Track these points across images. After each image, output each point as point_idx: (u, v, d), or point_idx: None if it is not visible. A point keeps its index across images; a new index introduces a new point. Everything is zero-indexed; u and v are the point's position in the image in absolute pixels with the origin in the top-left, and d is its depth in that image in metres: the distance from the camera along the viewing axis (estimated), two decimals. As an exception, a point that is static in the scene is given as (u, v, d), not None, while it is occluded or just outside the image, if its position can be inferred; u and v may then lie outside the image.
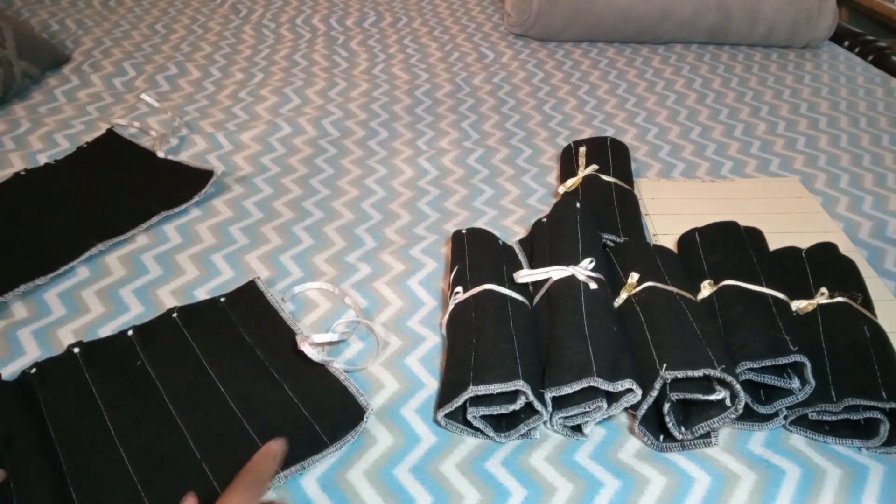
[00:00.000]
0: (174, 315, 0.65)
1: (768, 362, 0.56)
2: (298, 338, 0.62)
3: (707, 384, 0.55)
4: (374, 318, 0.68)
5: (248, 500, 0.44)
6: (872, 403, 0.54)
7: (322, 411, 0.58)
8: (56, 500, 0.49)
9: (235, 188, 0.87)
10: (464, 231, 0.74)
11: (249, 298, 0.68)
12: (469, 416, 0.55)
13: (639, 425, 0.56)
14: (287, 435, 0.52)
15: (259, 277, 0.70)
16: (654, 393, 0.55)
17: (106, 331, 0.64)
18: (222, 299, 0.68)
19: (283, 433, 0.53)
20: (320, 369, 0.61)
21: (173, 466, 0.53)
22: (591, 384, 0.53)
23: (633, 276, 0.65)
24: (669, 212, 0.86)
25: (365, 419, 0.57)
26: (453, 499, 0.51)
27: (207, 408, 0.57)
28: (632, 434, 0.57)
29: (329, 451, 0.54)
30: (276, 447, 0.48)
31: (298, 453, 0.54)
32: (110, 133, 0.94)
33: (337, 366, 0.61)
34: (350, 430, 0.56)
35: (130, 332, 0.63)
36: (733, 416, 0.54)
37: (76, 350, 0.60)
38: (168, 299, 0.69)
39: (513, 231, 0.82)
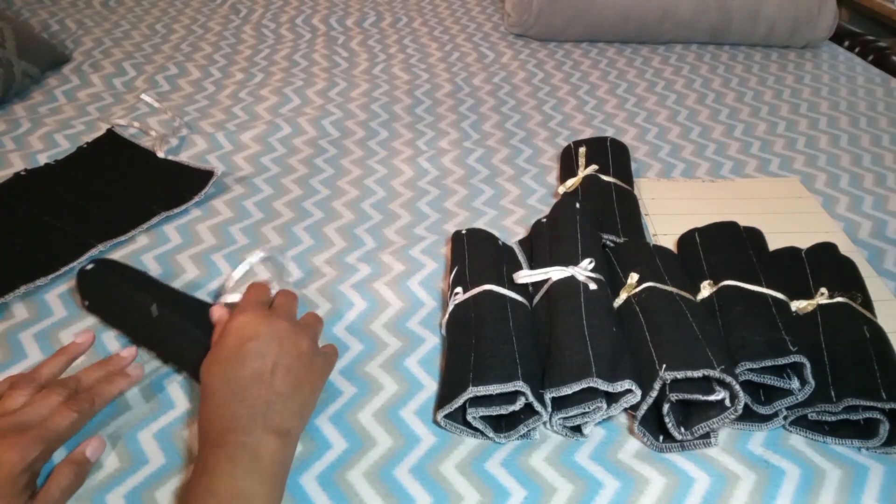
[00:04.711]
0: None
1: (768, 362, 0.56)
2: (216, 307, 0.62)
3: (707, 385, 0.55)
4: (374, 319, 0.68)
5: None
6: (872, 404, 0.54)
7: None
8: None
9: (235, 188, 0.87)
10: (463, 231, 0.74)
11: (108, 277, 0.67)
12: (469, 417, 0.55)
13: (638, 426, 0.56)
14: None
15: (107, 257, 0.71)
16: (654, 393, 0.55)
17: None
18: (86, 303, 0.66)
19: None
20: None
21: None
22: (591, 385, 0.54)
23: (633, 277, 0.65)
24: (669, 212, 0.86)
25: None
26: (453, 499, 0.51)
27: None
28: (631, 434, 0.57)
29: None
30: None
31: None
32: (110, 133, 0.93)
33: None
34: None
35: None
36: (733, 416, 0.54)
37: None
38: (168, 300, 0.68)
39: (513, 231, 0.82)
